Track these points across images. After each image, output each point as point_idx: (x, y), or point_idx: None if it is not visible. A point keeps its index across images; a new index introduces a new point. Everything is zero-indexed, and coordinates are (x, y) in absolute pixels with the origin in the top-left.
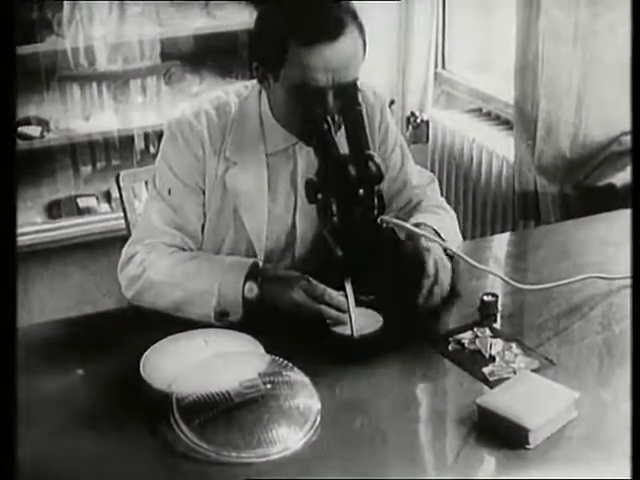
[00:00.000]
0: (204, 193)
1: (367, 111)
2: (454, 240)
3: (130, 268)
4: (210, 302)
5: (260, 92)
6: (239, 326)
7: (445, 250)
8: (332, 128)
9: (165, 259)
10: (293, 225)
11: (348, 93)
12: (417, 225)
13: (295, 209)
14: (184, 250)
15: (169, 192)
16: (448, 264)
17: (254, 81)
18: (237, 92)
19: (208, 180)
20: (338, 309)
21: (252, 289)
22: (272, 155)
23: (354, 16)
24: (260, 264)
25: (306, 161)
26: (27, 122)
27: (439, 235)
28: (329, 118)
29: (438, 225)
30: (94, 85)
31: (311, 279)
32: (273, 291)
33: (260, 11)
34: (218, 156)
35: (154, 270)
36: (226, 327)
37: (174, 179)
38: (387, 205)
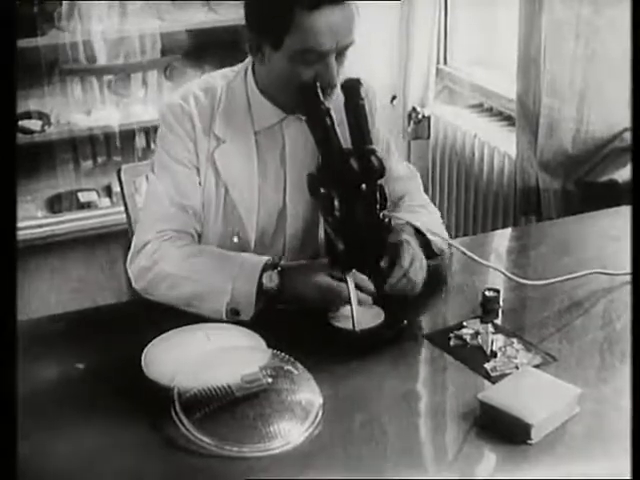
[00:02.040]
0: (199, 171)
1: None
2: (439, 239)
3: (141, 258)
4: (223, 298)
5: (246, 73)
6: (241, 321)
7: (446, 246)
8: (334, 122)
9: (178, 250)
10: (284, 204)
11: (350, 88)
12: (407, 226)
13: (285, 188)
14: (191, 235)
15: (167, 174)
16: (425, 265)
17: (240, 65)
18: (223, 75)
19: (201, 158)
20: (364, 291)
21: (272, 278)
22: (260, 133)
23: None
24: (276, 258)
25: (294, 138)
26: (28, 116)
27: (422, 234)
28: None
29: (423, 223)
30: (95, 79)
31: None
32: (296, 277)
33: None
34: (208, 135)
35: (167, 262)
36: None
37: (170, 160)
38: None
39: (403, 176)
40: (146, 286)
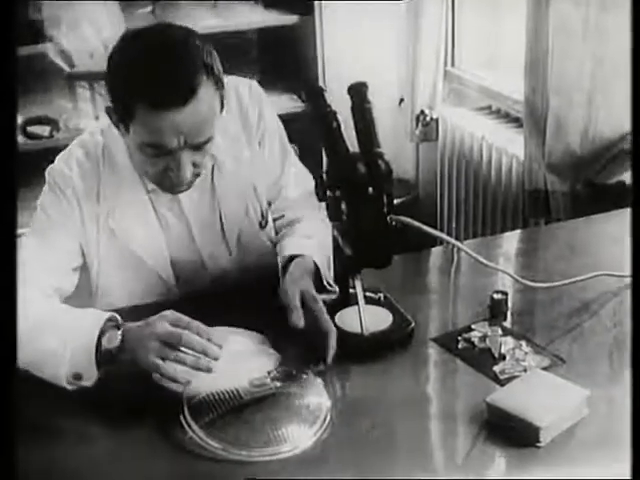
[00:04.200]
0: (80, 241)
1: (241, 108)
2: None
3: None
4: (61, 362)
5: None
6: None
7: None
8: (341, 125)
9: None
10: (195, 246)
11: (357, 92)
12: (293, 257)
13: (193, 237)
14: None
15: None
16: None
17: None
18: (102, 131)
19: (88, 226)
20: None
21: (114, 338)
22: (153, 191)
23: (210, 71)
24: (118, 317)
25: (188, 193)
26: (36, 122)
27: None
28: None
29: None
30: (103, 84)
31: (177, 313)
32: (136, 332)
33: (110, 56)
34: (97, 201)
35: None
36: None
37: (48, 222)
38: (264, 213)
39: (297, 199)
40: None
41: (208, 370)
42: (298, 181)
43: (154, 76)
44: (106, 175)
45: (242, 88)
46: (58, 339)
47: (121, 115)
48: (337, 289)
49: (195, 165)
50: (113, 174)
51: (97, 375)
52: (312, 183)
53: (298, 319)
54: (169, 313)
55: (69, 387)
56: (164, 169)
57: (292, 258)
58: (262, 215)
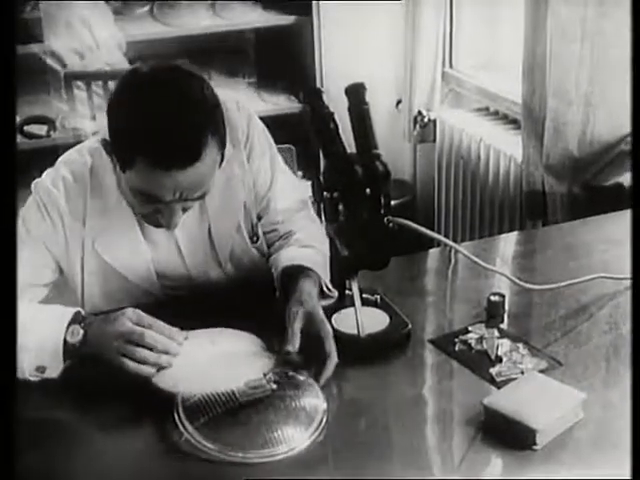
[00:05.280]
0: (58, 261)
1: (230, 124)
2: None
3: None
4: (24, 355)
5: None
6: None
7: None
8: (339, 126)
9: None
10: (184, 263)
11: (355, 93)
12: (294, 269)
13: (183, 257)
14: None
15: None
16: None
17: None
18: (91, 151)
19: (72, 247)
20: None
21: (76, 332)
22: (142, 215)
23: (215, 129)
24: (83, 312)
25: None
26: (33, 121)
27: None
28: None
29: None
30: (100, 84)
31: (139, 311)
32: (98, 328)
33: (114, 96)
34: (82, 223)
35: None
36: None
37: (27, 237)
38: (254, 227)
39: (288, 209)
40: None
41: (169, 366)
42: (287, 192)
43: (158, 134)
44: (93, 198)
45: (229, 105)
46: (21, 333)
47: (118, 159)
48: (336, 293)
49: (185, 209)
50: (100, 197)
51: (62, 368)
52: (303, 191)
53: (293, 345)
54: (131, 311)
55: (32, 379)
56: (153, 211)
57: (292, 270)
58: (253, 229)
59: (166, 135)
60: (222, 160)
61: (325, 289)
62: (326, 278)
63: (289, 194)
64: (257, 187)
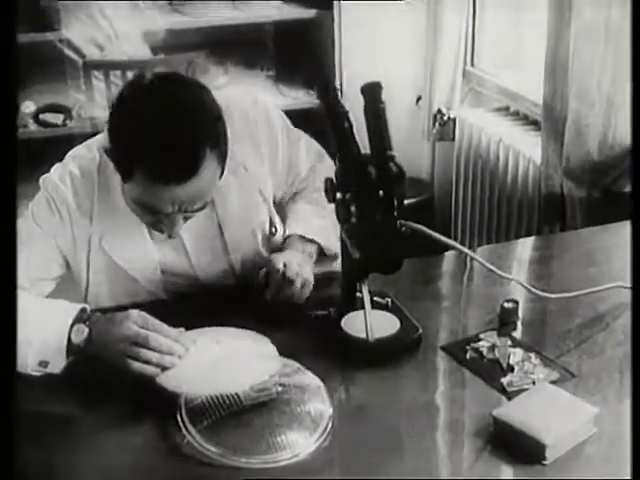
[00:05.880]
0: (66, 256)
1: (250, 130)
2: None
3: None
4: (29, 350)
5: None
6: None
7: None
8: (353, 126)
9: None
10: (192, 268)
11: (371, 92)
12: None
13: (188, 256)
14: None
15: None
16: (309, 279)
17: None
18: (100, 146)
19: (79, 244)
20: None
21: (81, 331)
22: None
23: (215, 143)
24: (88, 309)
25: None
26: (49, 109)
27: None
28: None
29: (316, 228)
30: (118, 73)
31: (145, 314)
32: (104, 328)
33: (115, 104)
34: (90, 220)
35: None
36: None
37: (37, 233)
38: (272, 221)
39: (307, 177)
40: None
41: (172, 366)
42: (309, 155)
43: (157, 148)
44: (101, 195)
45: (246, 106)
46: (27, 327)
47: (118, 170)
48: (338, 252)
49: (187, 218)
50: (108, 194)
51: (65, 364)
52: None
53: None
54: (136, 314)
55: (34, 374)
56: (155, 221)
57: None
58: (270, 223)
59: (164, 149)
60: (222, 172)
61: (325, 252)
62: (334, 240)
63: (310, 156)
64: (279, 178)
